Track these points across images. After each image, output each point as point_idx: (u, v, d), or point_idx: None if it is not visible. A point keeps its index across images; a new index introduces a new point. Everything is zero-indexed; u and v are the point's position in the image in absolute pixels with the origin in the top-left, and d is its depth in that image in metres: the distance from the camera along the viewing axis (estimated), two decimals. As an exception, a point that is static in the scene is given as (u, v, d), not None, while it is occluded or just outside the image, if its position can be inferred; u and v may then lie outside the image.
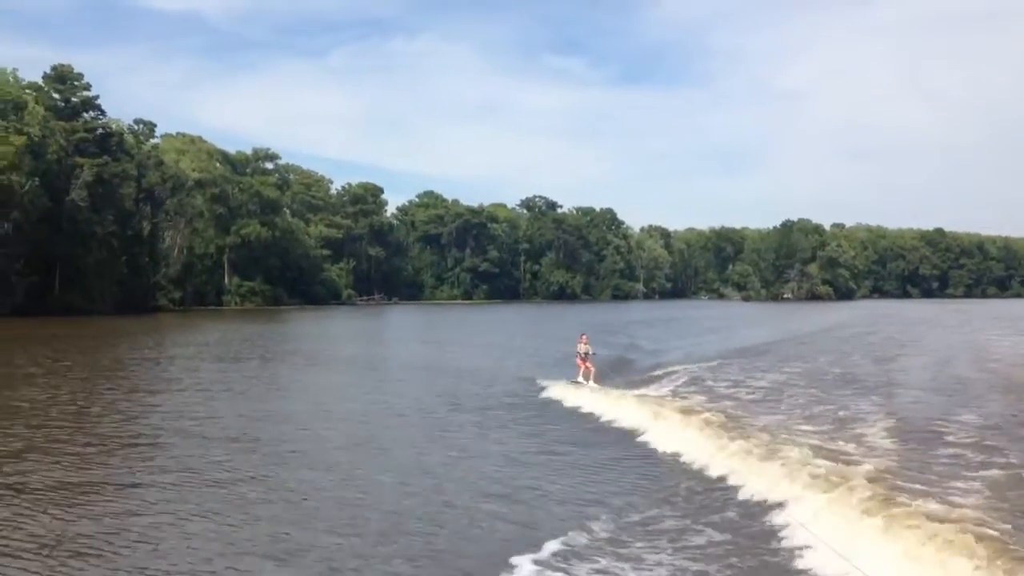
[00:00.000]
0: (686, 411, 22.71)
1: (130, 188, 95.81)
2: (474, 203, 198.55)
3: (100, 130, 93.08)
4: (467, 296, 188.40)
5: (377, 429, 23.10)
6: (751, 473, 15.99)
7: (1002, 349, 47.34)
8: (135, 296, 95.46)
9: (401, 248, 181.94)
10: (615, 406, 25.01)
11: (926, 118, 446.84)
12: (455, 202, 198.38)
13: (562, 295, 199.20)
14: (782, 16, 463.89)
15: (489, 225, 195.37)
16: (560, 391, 29.29)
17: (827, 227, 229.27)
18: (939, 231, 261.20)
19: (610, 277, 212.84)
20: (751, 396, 28.13)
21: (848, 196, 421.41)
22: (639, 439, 20.93)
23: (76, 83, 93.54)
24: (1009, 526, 12.13)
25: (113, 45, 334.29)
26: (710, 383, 31.86)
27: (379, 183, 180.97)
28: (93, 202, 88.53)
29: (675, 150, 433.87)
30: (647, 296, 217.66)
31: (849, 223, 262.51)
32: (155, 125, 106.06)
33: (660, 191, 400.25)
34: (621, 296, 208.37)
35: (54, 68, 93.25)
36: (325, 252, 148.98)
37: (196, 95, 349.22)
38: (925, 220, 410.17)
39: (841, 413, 23.86)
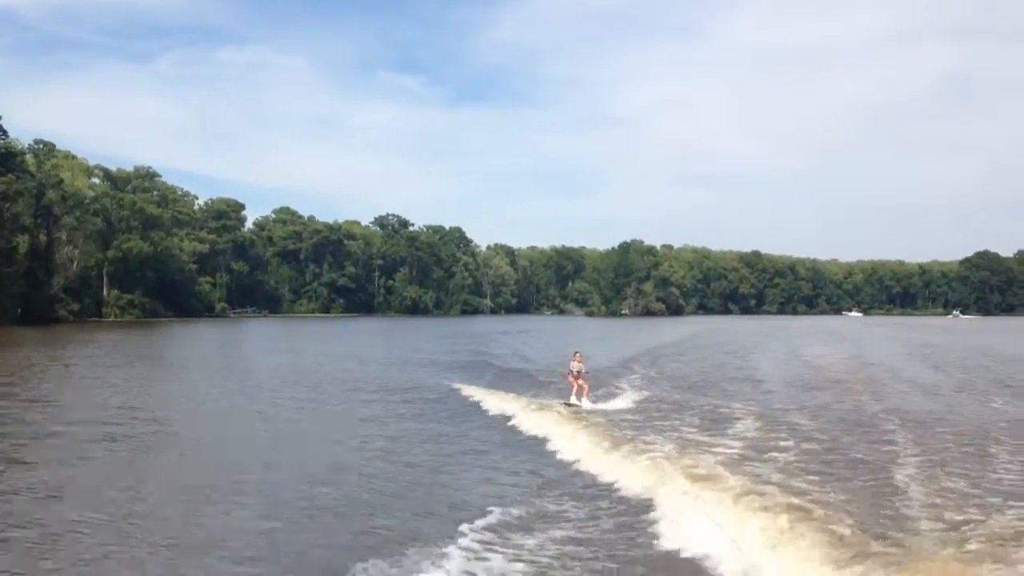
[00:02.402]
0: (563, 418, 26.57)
1: (30, 205, 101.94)
2: (306, 216, 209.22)
3: (2, 150, 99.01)
4: (325, 310, 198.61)
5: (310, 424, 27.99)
6: (629, 467, 18.72)
7: (819, 354, 64.14)
8: (35, 307, 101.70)
9: (261, 262, 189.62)
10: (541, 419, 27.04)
11: (747, 148, 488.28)
12: (311, 218, 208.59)
13: (415, 309, 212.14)
14: (616, 47, 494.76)
15: (345, 242, 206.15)
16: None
17: (659, 248, 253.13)
18: (756, 253, 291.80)
19: (459, 293, 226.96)
20: (647, 404, 31.18)
21: (677, 219, 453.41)
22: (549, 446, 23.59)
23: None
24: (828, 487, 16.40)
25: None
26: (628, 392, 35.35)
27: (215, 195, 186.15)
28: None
29: (514, 170, 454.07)
30: (494, 311, 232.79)
31: (677, 244, 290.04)
32: (54, 145, 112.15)
33: (502, 210, 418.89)
34: (470, 311, 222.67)
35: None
36: (193, 266, 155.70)
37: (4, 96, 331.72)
38: (744, 243, 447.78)
39: (710, 410, 28.53)
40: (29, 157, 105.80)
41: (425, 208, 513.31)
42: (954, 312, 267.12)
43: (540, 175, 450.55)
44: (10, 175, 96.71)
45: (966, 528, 13.70)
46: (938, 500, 15.67)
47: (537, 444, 23.55)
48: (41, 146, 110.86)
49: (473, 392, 35.16)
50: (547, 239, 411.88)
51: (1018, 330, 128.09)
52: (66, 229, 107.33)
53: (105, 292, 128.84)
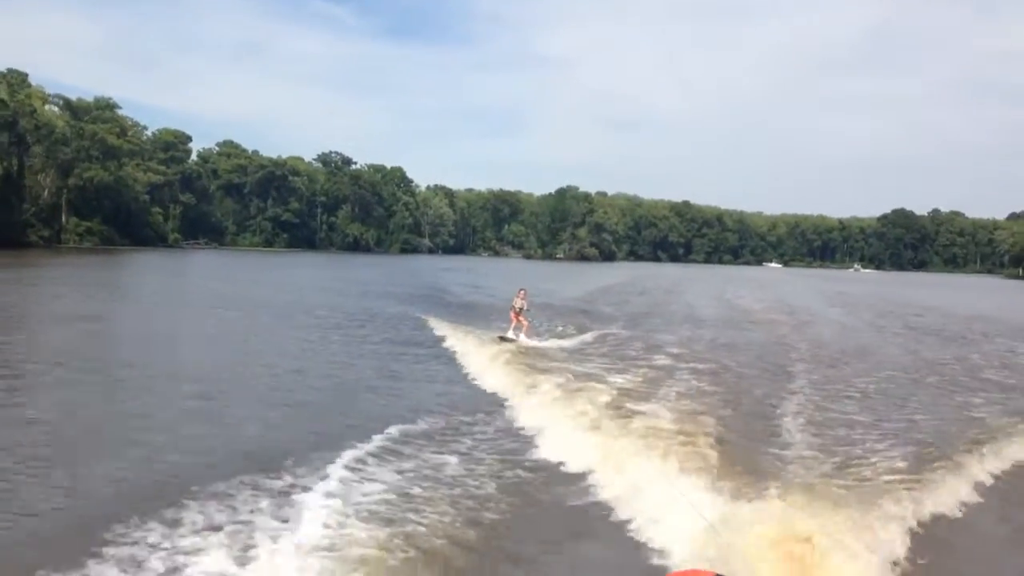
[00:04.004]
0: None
1: (3, 133, 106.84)
2: (250, 150, 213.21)
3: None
4: (268, 244, 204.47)
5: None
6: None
7: (740, 295, 75.31)
8: (8, 232, 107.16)
9: (207, 195, 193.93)
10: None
11: (676, 98, 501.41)
12: (256, 153, 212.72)
13: (356, 247, 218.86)
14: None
15: (290, 177, 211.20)
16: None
17: (593, 194, 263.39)
18: (686, 203, 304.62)
19: (400, 232, 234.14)
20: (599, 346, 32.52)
21: (609, 165, 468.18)
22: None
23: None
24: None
25: None
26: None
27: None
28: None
29: (447, 109, 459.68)
30: (432, 251, 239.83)
31: (611, 191, 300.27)
32: (27, 75, 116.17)
33: (436, 149, 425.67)
34: (409, 250, 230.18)
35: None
36: (146, 197, 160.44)
37: None
38: (675, 192, 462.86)
39: (648, 342, 33.29)
40: (3, 87, 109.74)
41: (356, 143, 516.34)
42: (855, 266, 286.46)
43: (472, 115, 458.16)
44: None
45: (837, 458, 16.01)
46: (815, 432, 18.33)
47: (464, 372, 25.95)
48: (15, 75, 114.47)
49: (423, 321, 39.45)
50: (482, 182, 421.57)
51: (906, 283, 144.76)
52: (38, 158, 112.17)
53: (64, 219, 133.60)
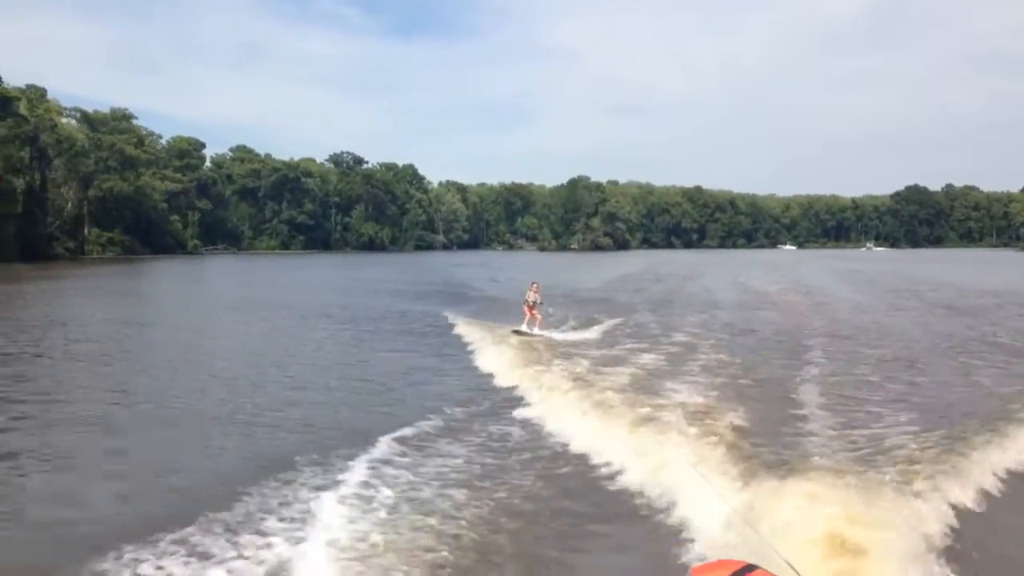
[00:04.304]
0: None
1: (25, 148, 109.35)
2: (263, 154, 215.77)
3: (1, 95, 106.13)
4: (284, 246, 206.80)
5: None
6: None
7: (756, 278, 76.82)
8: (33, 245, 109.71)
9: (222, 200, 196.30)
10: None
11: (681, 83, 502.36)
12: (268, 156, 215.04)
13: (371, 246, 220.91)
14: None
15: (303, 179, 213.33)
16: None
17: (605, 184, 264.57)
18: (698, 188, 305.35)
19: (413, 229, 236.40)
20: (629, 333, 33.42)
21: (619, 153, 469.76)
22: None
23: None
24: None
25: None
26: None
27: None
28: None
29: (452, 104, 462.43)
30: (446, 247, 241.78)
31: (623, 180, 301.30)
32: (46, 90, 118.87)
33: (446, 145, 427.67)
34: (424, 247, 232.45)
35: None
36: (164, 205, 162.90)
37: None
38: (687, 178, 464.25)
39: (666, 325, 35.29)
40: (24, 103, 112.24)
41: (364, 142, 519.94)
42: (868, 245, 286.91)
43: (480, 109, 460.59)
44: (9, 119, 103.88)
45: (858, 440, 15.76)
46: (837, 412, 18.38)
47: (479, 367, 26.29)
48: (34, 91, 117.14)
49: (440, 317, 40.41)
50: (493, 176, 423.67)
51: (921, 260, 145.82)
52: (60, 171, 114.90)
53: (86, 230, 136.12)
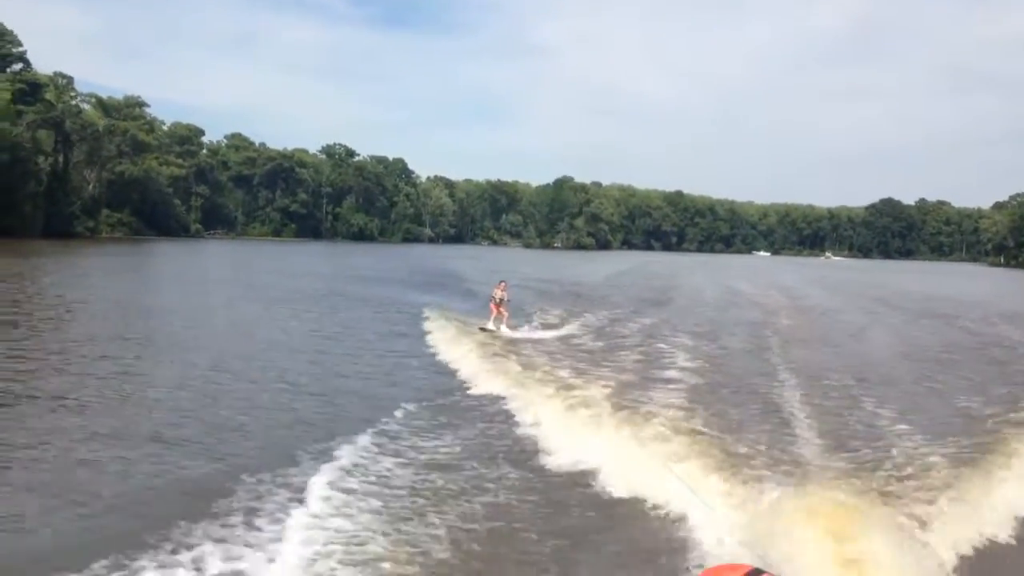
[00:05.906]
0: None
1: (52, 132, 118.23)
2: (257, 143, 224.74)
3: (31, 82, 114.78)
4: (276, 234, 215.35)
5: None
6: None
7: (743, 284, 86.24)
8: (56, 223, 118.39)
9: (219, 186, 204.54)
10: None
11: (665, 88, 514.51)
12: (263, 145, 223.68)
13: (361, 236, 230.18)
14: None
15: (297, 169, 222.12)
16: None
17: (589, 185, 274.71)
18: (678, 193, 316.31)
19: (402, 221, 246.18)
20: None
21: (603, 155, 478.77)
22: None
23: (7, 39, 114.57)
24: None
25: None
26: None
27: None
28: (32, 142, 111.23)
29: (438, 98, 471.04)
30: (432, 240, 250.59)
31: (606, 182, 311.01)
32: (72, 78, 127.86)
33: (431, 140, 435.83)
34: (411, 239, 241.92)
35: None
36: (169, 190, 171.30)
37: None
38: (667, 182, 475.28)
39: (641, 324, 36.64)
40: (51, 90, 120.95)
41: (350, 133, 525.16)
42: (827, 254, 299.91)
43: (465, 104, 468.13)
44: (39, 103, 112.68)
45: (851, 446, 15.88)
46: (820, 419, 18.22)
47: (442, 361, 26.25)
48: (61, 78, 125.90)
49: (416, 310, 39.96)
50: (477, 171, 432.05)
51: (875, 269, 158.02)
52: (83, 154, 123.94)
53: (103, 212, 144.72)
